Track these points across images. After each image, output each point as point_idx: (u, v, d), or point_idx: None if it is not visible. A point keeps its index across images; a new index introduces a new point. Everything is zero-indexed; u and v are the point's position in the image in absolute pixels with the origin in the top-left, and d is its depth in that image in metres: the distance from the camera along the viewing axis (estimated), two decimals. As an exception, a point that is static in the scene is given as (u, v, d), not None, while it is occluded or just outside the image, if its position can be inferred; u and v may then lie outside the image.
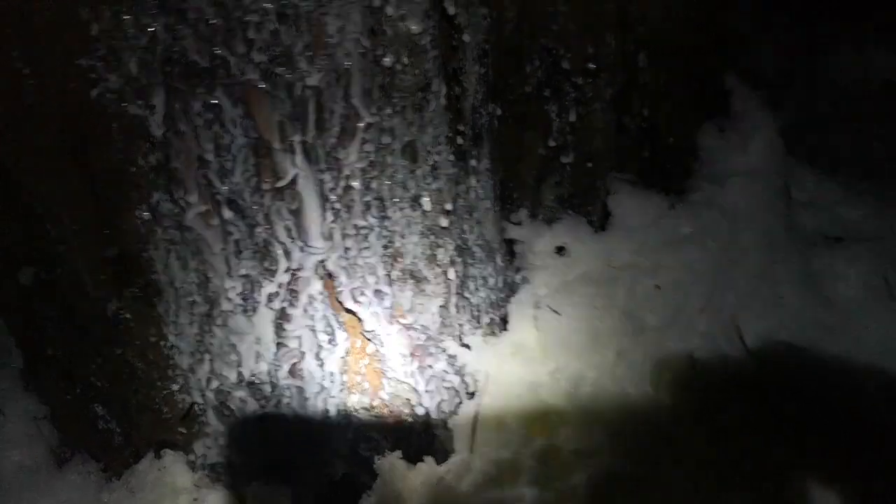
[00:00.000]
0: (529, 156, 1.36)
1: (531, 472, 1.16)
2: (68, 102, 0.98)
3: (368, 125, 1.01)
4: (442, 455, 1.22)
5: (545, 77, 1.27)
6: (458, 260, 1.22)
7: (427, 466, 1.19)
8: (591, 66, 1.25)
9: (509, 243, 1.40)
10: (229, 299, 1.08)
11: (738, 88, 1.52)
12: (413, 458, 1.21)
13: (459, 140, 1.16)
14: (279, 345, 1.12)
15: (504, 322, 1.32)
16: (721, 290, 1.33)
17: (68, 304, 1.19)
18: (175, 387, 1.19)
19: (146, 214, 1.04)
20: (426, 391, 1.22)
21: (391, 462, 1.19)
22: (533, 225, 1.39)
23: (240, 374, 1.16)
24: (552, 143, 1.33)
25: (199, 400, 1.20)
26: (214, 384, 1.18)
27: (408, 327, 1.18)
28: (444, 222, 1.17)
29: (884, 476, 1.19)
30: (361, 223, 1.06)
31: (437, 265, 1.19)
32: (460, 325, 1.27)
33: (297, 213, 1.02)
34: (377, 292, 1.12)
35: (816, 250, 1.53)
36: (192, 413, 1.23)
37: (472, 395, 1.24)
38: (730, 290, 1.34)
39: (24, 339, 1.31)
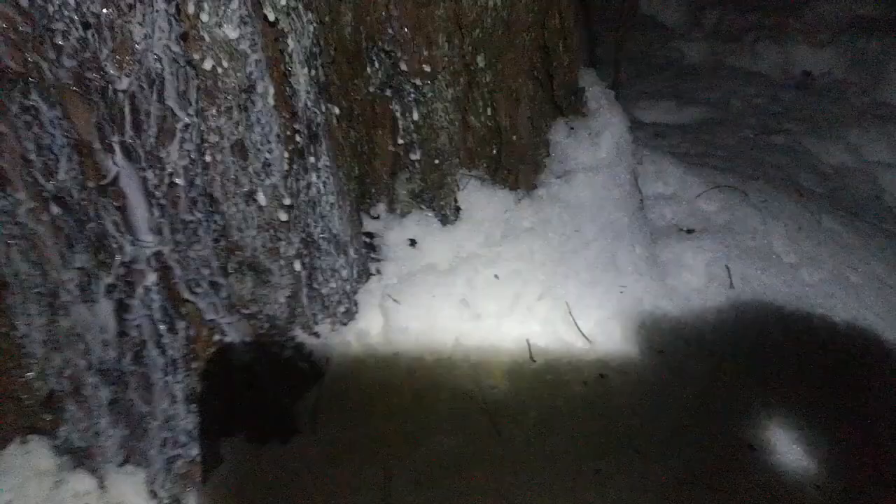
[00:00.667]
0: (381, 153, 1.43)
1: (368, 450, 1.23)
2: None
3: (187, 125, 1.08)
4: (286, 436, 1.29)
5: (386, 78, 1.35)
6: (305, 252, 1.29)
7: (271, 447, 1.26)
8: (427, 67, 1.33)
9: (368, 236, 1.47)
10: (68, 290, 1.14)
11: (593, 88, 1.60)
12: (259, 439, 1.28)
13: (297, 138, 1.23)
14: (121, 333, 1.18)
15: (352, 311, 1.39)
16: (561, 279, 1.40)
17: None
18: (31, 374, 1.24)
19: (-17, 211, 1.10)
20: (271, 377, 1.29)
21: (237, 444, 1.25)
22: (388, 219, 1.46)
23: (89, 361, 1.21)
24: (400, 141, 1.40)
25: (57, 387, 1.26)
26: (67, 371, 1.24)
27: (250, 317, 1.24)
28: (283, 216, 1.24)
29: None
30: (189, 217, 1.13)
31: (281, 258, 1.26)
32: (313, 314, 1.34)
33: (122, 210, 1.09)
34: (213, 283, 1.19)
35: (667, 241, 1.61)
36: (54, 399, 1.28)
37: (317, 379, 1.31)
38: (570, 279, 1.41)
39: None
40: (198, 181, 1.11)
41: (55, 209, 1.07)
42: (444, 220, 1.46)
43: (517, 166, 1.50)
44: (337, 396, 1.27)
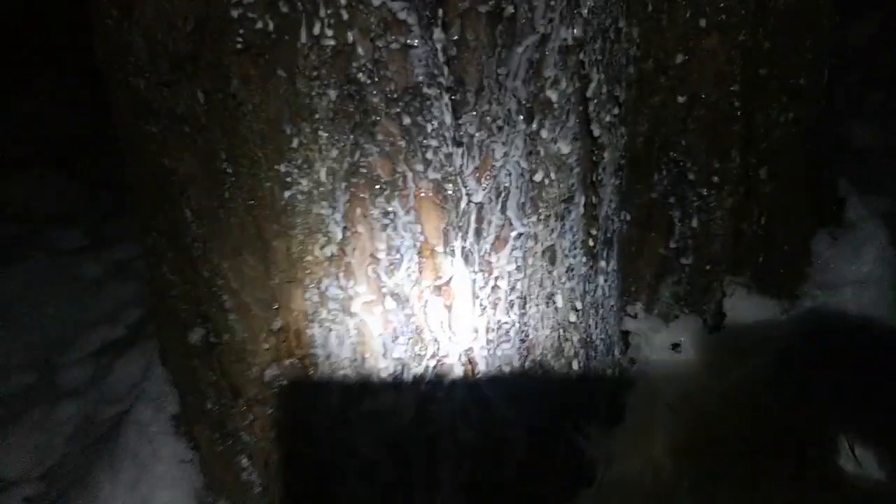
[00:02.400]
0: (649, 254, 1.45)
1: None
2: (259, 204, 1.14)
3: (520, 234, 1.13)
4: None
5: (671, 186, 1.37)
6: (582, 352, 1.32)
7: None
8: (716, 179, 1.35)
9: (624, 335, 1.49)
10: (381, 378, 1.20)
11: (851, 197, 1.58)
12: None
13: (591, 243, 1.27)
14: (419, 421, 1.23)
15: (620, 412, 1.40)
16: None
17: (228, 367, 1.34)
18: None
19: (315, 298, 1.18)
20: (542, 477, 1.31)
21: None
22: (649, 319, 1.47)
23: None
24: (673, 245, 1.42)
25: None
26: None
27: (533, 413, 1.28)
28: (573, 318, 1.27)
29: None
30: (504, 319, 1.18)
31: (564, 357, 1.29)
32: (574, 414, 1.36)
33: (450, 308, 1.15)
34: (512, 383, 1.23)
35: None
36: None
37: (588, 483, 1.32)
38: (841, 397, 1.38)
39: (183, 391, 1.47)
40: (518, 286, 1.16)
41: (389, 304, 1.14)
42: (709, 326, 1.46)
43: (782, 276, 1.49)
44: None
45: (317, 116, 1.05)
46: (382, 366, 1.20)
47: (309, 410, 1.29)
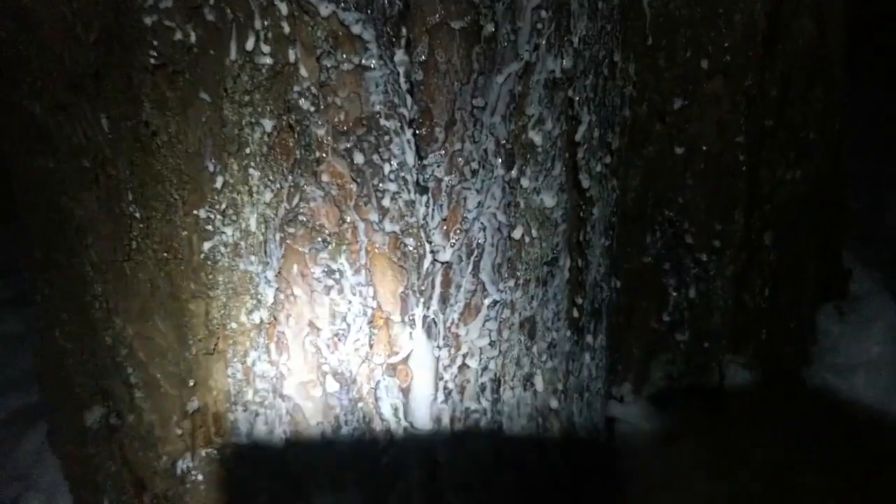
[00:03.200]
0: (639, 327, 1.26)
1: None
2: (173, 257, 0.92)
3: (495, 302, 0.93)
4: None
5: (665, 249, 1.20)
6: (566, 447, 1.10)
7: None
8: (717, 243, 1.17)
9: (609, 422, 1.28)
10: (318, 480, 0.97)
11: (857, 270, 1.42)
12: None
13: (576, 314, 1.07)
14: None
15: (605, 514, 1.18)
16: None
17: (131, 455, 1.09)
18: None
19: (240, 375, 0.96)
20: None
21: None
22: (638, 403, 1.27)
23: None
24: (666, 318, 1.23)
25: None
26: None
27: (507, 522, 1.05)
28: (554, 404, 1.06)
29: None
30: (473, 406, 0.96)
31: (545, 452, 1.07)
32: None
33: (406, 392, 0.93)
34: (485, 483, 1.00)
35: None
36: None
37: None
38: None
39: (76, 484, 1.21)
40: (491, 365, 0.95)
41: (331, 385, 0.92)
42: (707, 412, 1.26)
43: (786, 354, 1.31)
44: None
45: (247, 151, 0.85)
46: (324, 461, 0.96)
47: (229, 513, 1.05)
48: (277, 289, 0.90)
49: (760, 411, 1.24)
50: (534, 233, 0.95)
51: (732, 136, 1.13)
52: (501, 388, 0.98)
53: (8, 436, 1.93)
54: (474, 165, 0.85)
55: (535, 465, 1.06)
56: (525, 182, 0.93)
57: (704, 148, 1.13)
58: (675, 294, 1.21)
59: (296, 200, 0.86)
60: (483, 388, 0.96)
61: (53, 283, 1.09)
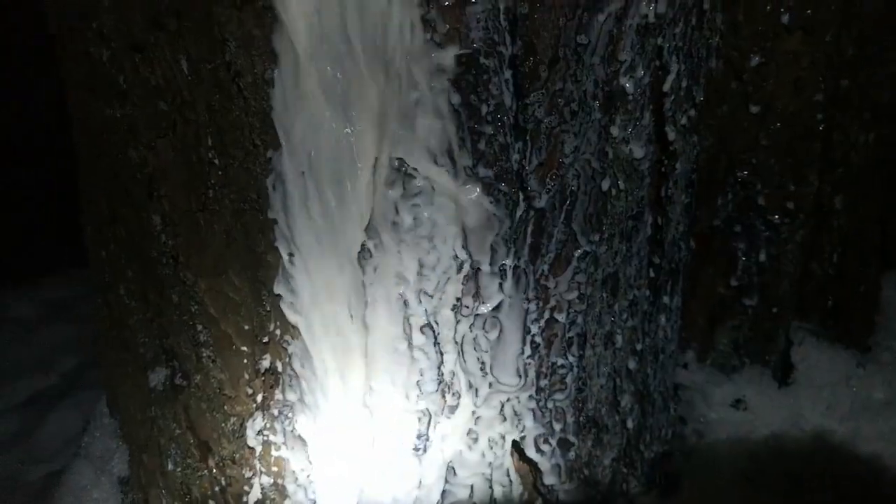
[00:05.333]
0: (704, 294, 1.23)
1: None
2: (251, 207, 0.89)
3: (585, 254, 0.90)
4: None
5: (736, 212, 1.17)
6: (638, 407, 1.08)
7: None
8: (790, 205, 1.15)
9: (674, 388, 1.25)
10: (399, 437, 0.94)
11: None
12: None
13: (652, 273, 1.05)
14: (444, 493, 0.96)
15: (674, 481, 1.16)
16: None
17: (197, 417, 1.06)
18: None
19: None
20: (594, 559, 1.05)
21: None
22: (703, 370, 1.25)
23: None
24: (734, 283, 1.21)
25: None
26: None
27: (586, 482, 1.02)
28: (632, 364, 1.04)
29: None
30: (560, 361, 0.93)
31: (619, 413, 1.05)
32: (626, 482, 1.11)
33: (495, 345, 0.90)
34: (563, 441, 0.98)
35: None
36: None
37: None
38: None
39: (137, 448, 1.18)
40: (578, 320, 0.93)
41: (419, 338, 0.89)
42: (778, 381, 1.24)
43: (853, 322, 1.29)
44: None
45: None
46: (404, 420, 0.94)
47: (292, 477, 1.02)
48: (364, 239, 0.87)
49: (830, 380, 1.21)
50: (621, 185, 0.93)
51: (810, 96, 1.10)
52: (586, 346, 0.96)
53: (29, 418, 1.90)
54: (574, 107, 0.82)
55: (611, 427, 1.04)
56: (615, 131, 0.90)
57: (780, 107, 1.11)
58: (743, 259, 1.19)
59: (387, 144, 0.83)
60: (570, 342, 0.93)
61: (118, 240, 1.06)
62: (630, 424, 1.07)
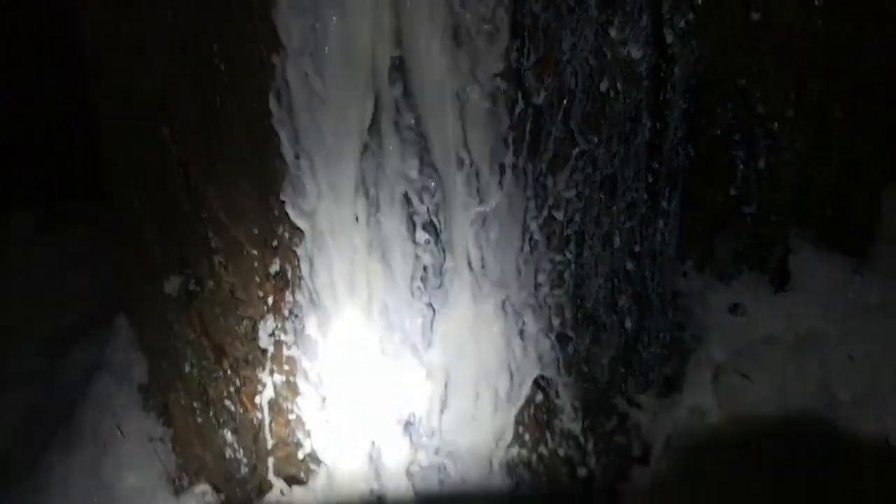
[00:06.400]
0: (704, 203, 1.25)
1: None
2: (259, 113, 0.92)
3: (582, 153, 0.93)
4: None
5: (734, 120, 1.18)
6: (635, 309, 1.12)
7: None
8: (790, 112, 1.16)
9: (674, 296, 1.29)
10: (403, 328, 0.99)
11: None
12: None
13: (650, 178, 1.07)
14: (447, 385, 1.01)
15: (672, 382, 1.20)
16: (916, 368, 1.19)
17: (211, 321, 1.11)
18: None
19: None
20: (592, 451, 1.10)
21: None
22: (702, 278, 1.27)
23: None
24: (734, 192, 1.22)
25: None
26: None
27: (584, 378, 1.07)
28: (629, 265, 1.07)
29: None
30: (558, 258, 0.97)
31: (616, 312, 1.09)
32: (633, 381, 1.16)
33: (495, 242, 0.93)
34: (561, 336, 1.02)
35: None
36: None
37: (644, 460, 1.12)
38: (924, 368, 1.20)
39: (155, 354, 1.24)
40: (576, 218, 0.96)
41: (421, 235, 0.93)
42: (775, 287, 1.27)
43: (852, 231, 1.31)
44: (677, 483, 1.08)
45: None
46: (407, 315, 0.98)
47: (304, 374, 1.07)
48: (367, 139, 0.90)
49: (826, 286, 1.24)
50: (619, 86, 0.94)
51: (812, 1, 1.10)
52: (584, 244, 0.99)
53: (52, 352, 1.97)
54: (571, 3, 0.83)
55: (609, 326, 1.08)
56: (613, 32, 0.91)
57: (782, 14, 1.11)
58: (743, 167, 1.20)
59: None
60: (568, 240, 0.96)
61: (130, 153, 1.09)
62: (628, 325, 1.11)
